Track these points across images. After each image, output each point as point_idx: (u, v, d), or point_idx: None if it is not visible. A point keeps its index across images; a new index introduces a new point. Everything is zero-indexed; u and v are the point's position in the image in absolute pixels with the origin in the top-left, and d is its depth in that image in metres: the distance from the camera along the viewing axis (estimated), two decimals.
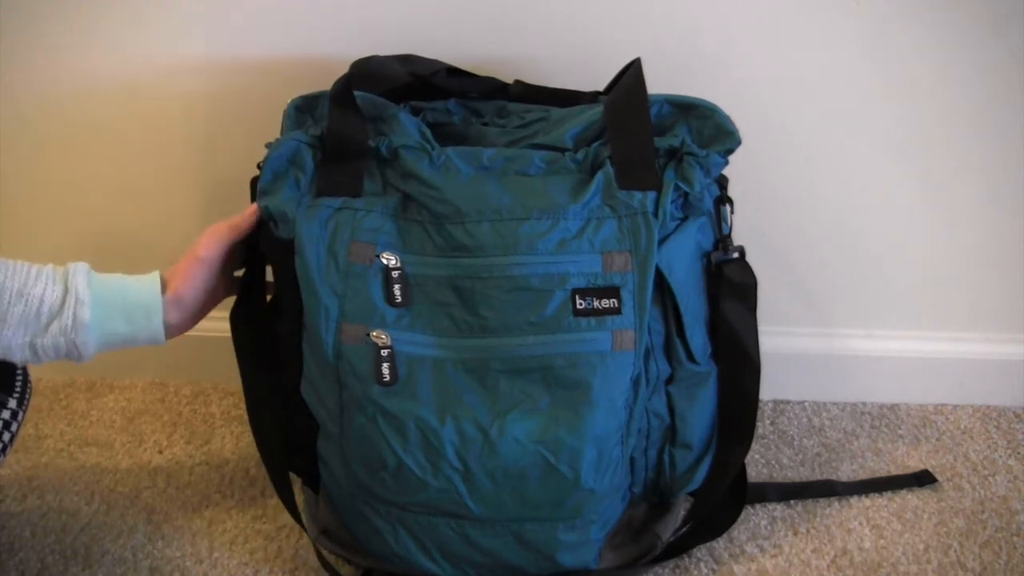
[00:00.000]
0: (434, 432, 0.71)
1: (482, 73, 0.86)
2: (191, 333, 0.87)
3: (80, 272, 0.68)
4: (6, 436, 0.73)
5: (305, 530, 0.83)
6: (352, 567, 0.84)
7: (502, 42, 0.90)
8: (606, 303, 0.71)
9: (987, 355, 1.05)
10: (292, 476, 0.90)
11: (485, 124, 0.84)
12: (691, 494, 0.85)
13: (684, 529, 0.83)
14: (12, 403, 0.75)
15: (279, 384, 0.81)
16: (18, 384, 0.76)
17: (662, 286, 0.74)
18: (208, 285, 0.75)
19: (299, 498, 0.92)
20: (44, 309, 0.66)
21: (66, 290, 0.67)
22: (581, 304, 0.71)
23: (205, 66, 0.94)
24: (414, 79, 0.81)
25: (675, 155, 0.74)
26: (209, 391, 1.12)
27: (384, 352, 0.72)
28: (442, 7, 0.89)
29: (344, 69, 0.77)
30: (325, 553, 0.84)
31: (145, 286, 0.71)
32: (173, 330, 0.74)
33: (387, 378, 0.72)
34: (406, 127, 0.76)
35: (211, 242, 0.74)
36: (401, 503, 0.75)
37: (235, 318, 0.81)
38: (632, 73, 0.77)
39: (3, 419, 0.73)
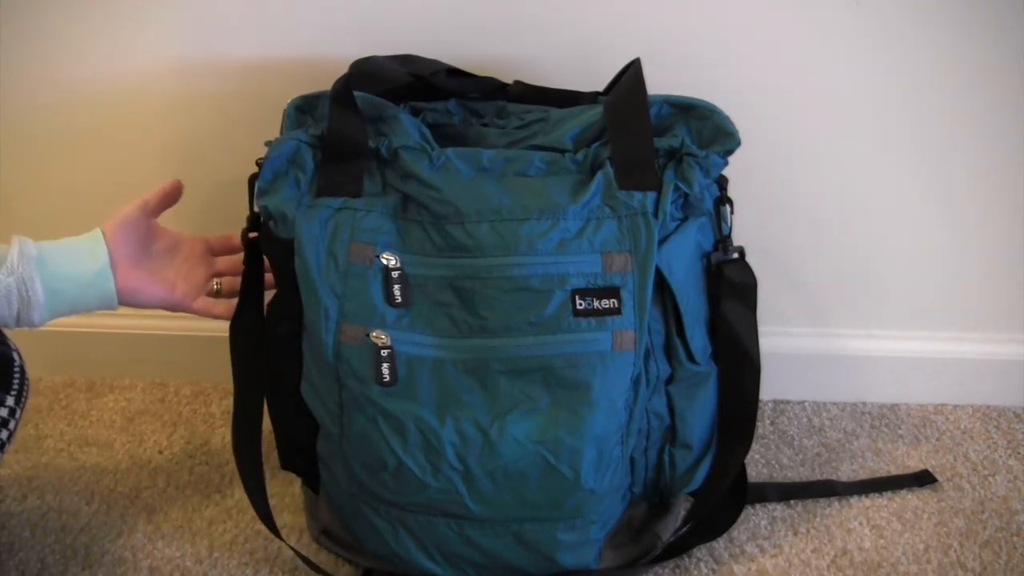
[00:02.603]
0: (434, 432, 0.71)
1: (482, 73, 0.86)
2: (191, 333, 0.88)
3: (21, 236, 0.72)
4: (4, 434, 0.73)
5: (278, 535, 0.82)
6: (352, 567, 0.84)
7: (502, 42, 0.90)
8: (606, 303, 0.71)
9: (987, 355, 1.05)
10: (292, 476, 0.90)
11: (485, 125, 0.84)
12: (691, 494, 0.85)
13: (684, 529, 0.83)
14: (10, 400, 0.74)
15: (273, 391, 0.82)
16: (15, 381, 0.76)
17: (662, 286, 0.74)
18: (138, 224, 0.78)
19: (299, 498, 0.92)
20: None
21: (8, 245, 0.71)
22: (581, 304, 0.71)
23: (205, 66, 0.94)
24: (414, 79, 0.81)
25: (674, 156, 0.74)
26: (209, 391, 1.12)
27: (384, 352, 0.72)
28: (442, 7, 0.89)
29: (344, 69, 0.77)
30: (319, 556, 0.84)
31: (85, 235, 0.75)
32: (124, 271, 0.75)
33: (387, 378, 0.72)
34: (406, 127, 0.76)
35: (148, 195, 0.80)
36: (401, 503, 0.75)
37: (234, 330, 0.81)
38: (632, 73, 0.77)
39: (1, 416, 0.73)
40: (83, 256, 0.73)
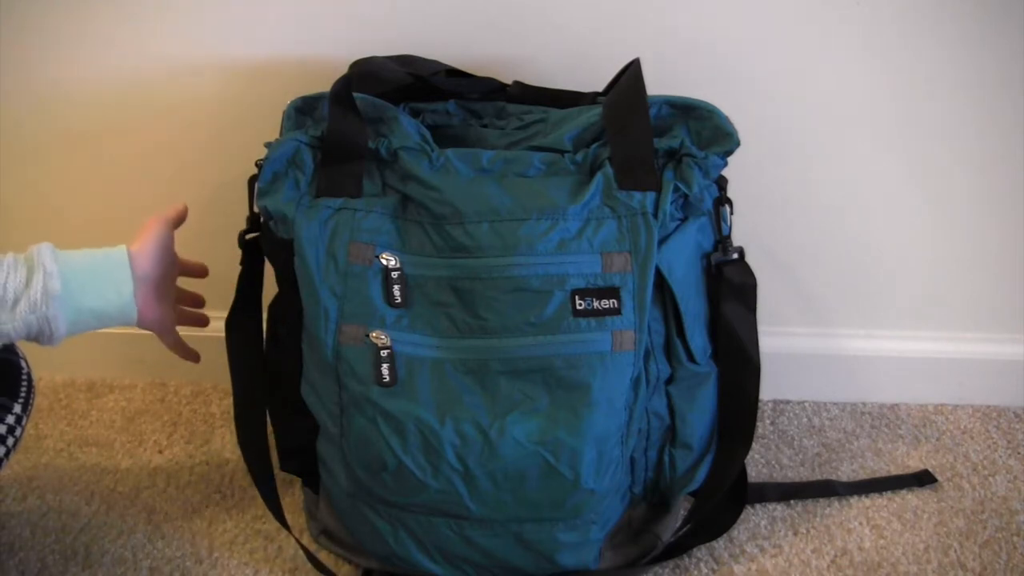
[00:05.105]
0: (434, 433, 0.71)
1: (482, 73, 0.86)
2: (191, 333, 0.88)
3: (45, 251, 0.68)
4: (10, 441, 0.73)
5: (291, 532, 0.83)
6: (352, 567, 0.84)
7: (502, 42, 0.90)
8: (606, 304, 0.71)
9: (987, 355, 1.05)
10: (292, 476, 0.90)
11: (484, 126, 0.84)
12: (691, 494, 0.85)
13: (684, 529, 0.83)
14: (17, 408, 0.75)
15: (272, 391, 0.82)
16: (23, 389, 0.76)
17: (662, 286, 0.74)
18: (169, 247, 0.76)
19: (299, 499, 0.92)
20: (9, 294, 0.65)
21: (31, 269, 0.67)
22: (581, 305, 0.71)
23: (205, 67, 0.94)
24: (414, 80, 0.81)
25: (674, 156, 0.74)
26: (209, 391, 1.12)
27: (383, 353, 0.72)
28: (442, 8, 0.89)
29: (344, 69, 0.77)
30: (319, 556, 0.84)
31: (112, 250, 0.72)
32: (142, 299, 0.73)
33: (386, 379, 0.72)
34: (405, 128, 0.76)
35: (169, 211, 0.78)
36: (401, 504, 0.75)
37: (230, 323, 0.81)
38: (631, 74, 0.77)
39: (7, 424, 0.73)
40: (108, 289, 0.70)
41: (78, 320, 0.69)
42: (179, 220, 0.79)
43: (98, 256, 0.71)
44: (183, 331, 0.82)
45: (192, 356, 0.84)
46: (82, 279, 0.69)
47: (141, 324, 0.75)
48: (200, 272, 0.85)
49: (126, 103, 0.97)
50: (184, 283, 0.84)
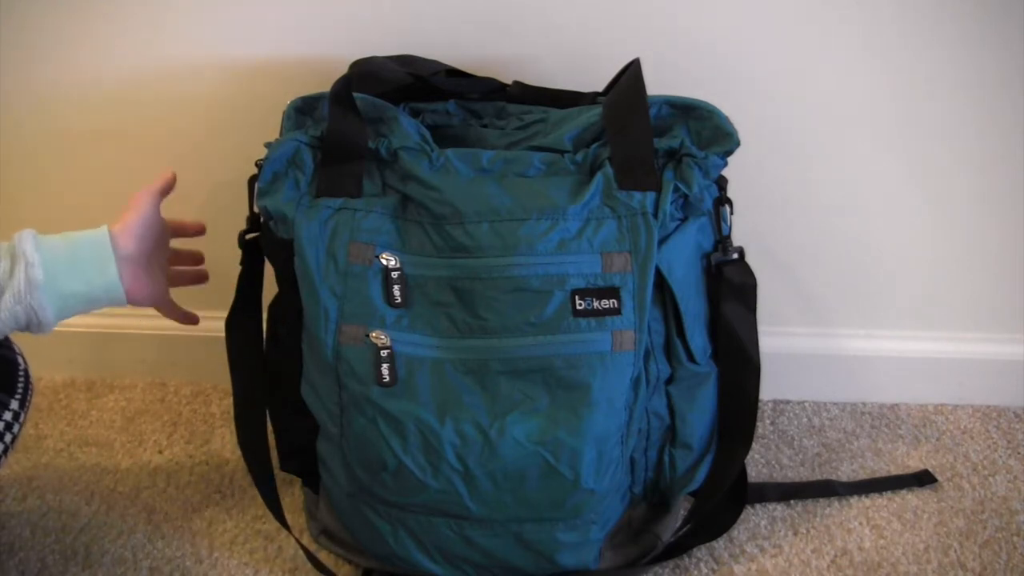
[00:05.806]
0: (434, 433, 0.71)
1: (481, 73, 0.86)
2: (191, 333, 0.88)
3: (26, 238, 0.68)
4: (8, 437, 0.73)
5: (291, 532, 0.84)
6: (352, 567, 0.84)
7: (501, 42, 0.90)
8: (606, 304, 0.71)
9: (987, 355, 1.05)
10: (292, 476, 0.90)
11: (484, 126, 0.84)
12: (691, 494, 0.85)
13: (684, 529, 0.83)
14: (14, 404, 0.74)
15: (272, 391, 0.82)
16: (20, 385, 0.76)
17: (662, 286, 0.74)
18: (156, 221, 0.76)
19: (299, 499, 0.92)
20: None
21: (13, 259, 0.67)
22: (581, 305, 0.71)
23: (205, 67, 0.94)
24: (414, 80, 0.81)
25: (674, 156, 0.74)
26: (209, 391, 1.12)
27: (383, 353, 0.72)
28: (441, 7, 0.89)
29: (344, 69, 0.77)
30: (319, 556, 0.84)
31: (93, 232, 0.72)
32: (130, 277, 0.73)
33: (386, 379, 0.72)
34: (405, 128, 0.76)
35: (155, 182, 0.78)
36: (401, 504, 0.75)
37: (230, 323, 0.81)
38: (631, 74, 0.77)
39: (5, 420, 0.73)
40: (91, 272, 0.70)
41: (65, 306, 0.69)
42: (166, 189, 0.79)
43: (79, 239, 0.71)
44: (186, 331, 0.82)
45: (191, 319, 0.83)
46: (64, 264, 0.69)
47: (132, 302, 0.74)
48: (197, 229, 0.85)
49: (126, 103, 0.97)
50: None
